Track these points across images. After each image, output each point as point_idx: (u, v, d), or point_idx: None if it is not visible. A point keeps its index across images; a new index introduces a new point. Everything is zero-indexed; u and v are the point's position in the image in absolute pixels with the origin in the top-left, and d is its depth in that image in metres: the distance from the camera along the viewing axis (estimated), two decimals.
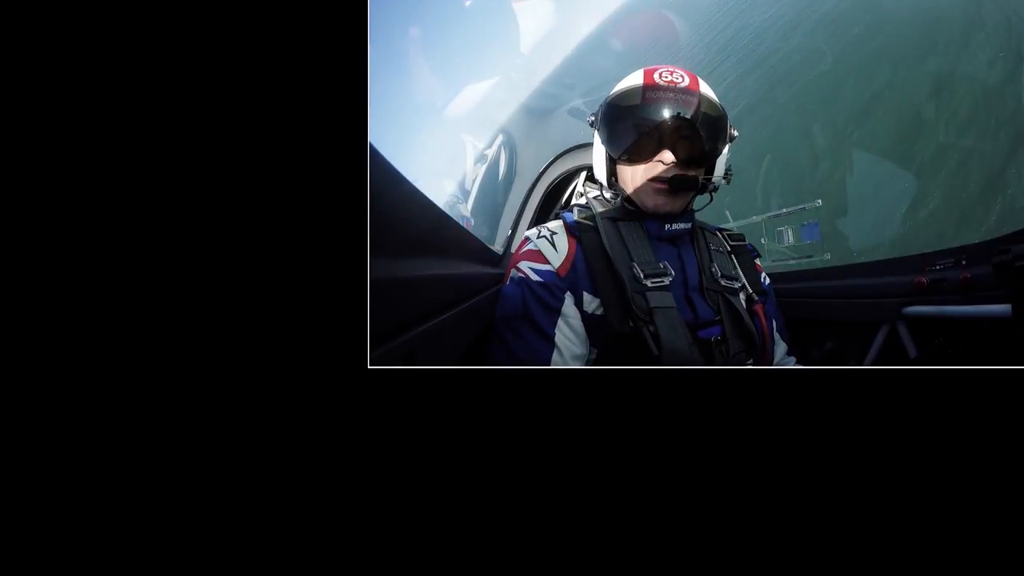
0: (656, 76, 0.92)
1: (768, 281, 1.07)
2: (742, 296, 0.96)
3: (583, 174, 1.75)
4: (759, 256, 1.10)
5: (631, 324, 0.84)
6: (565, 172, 1.73)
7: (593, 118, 1.00)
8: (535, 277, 0.89)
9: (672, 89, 0.90)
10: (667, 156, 0.87)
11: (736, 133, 0.96)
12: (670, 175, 0.88)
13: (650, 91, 0.90)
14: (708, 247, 0.98)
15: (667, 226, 0.94)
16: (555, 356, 0.85)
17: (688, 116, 0.88)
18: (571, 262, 0.90)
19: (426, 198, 0.57)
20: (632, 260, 0.89)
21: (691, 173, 0.90)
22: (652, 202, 0.91)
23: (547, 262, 0.90)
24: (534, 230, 0.98)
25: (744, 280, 0.98)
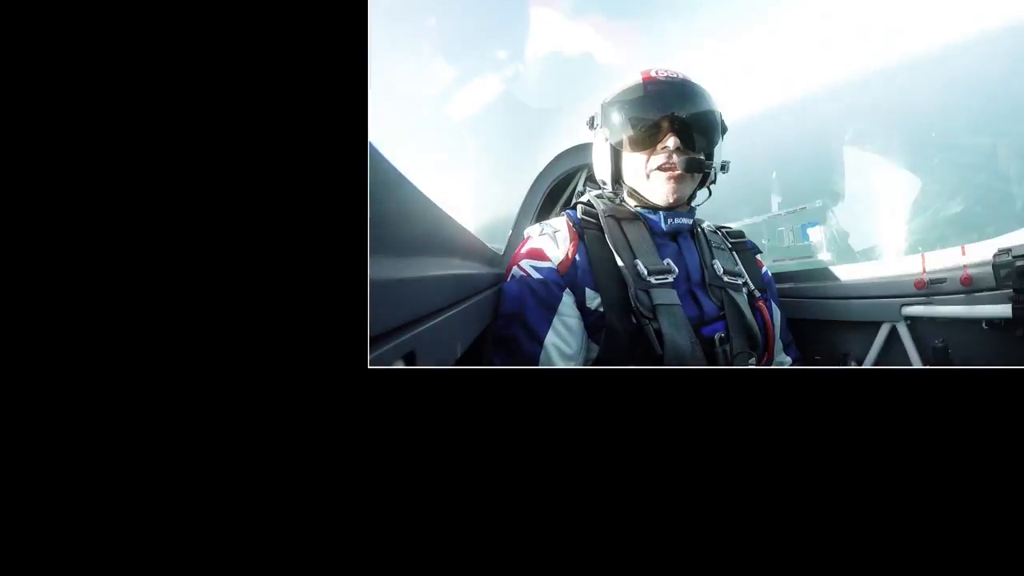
0: (653, 73, 0.96)
1: (770, 276, 1.09)
2: (745, 292, 0.97)
3: (583, 174, 1.75)
4: (760, 253, 1.12)
5: (634, 321, 0.85)
6: (565, 172, 1.74)
7: (591, 119, 1.01)
8: (535, 275, 0.90)
9: (669, 81, 0.94)
10: (672, 141, 0.90)
11: (727, 125, 0.99)
12: (677, 159, 0.90)
13: (650, 84, 0.94)
14: (709, 243, 1.00)
15: (670, 220, 0.95)
16: (542, 356, 0.85)
17: (687, 104, 0.92)
18: (572, 259, 0.91)
19: (426, 198, 0.57)
20: (636, 258, 0.90)
21: (696, 156, 0.92)
22: (663, 190, 0.93)
23: (547, 259, 0.91)
24: (536, 226, 0.99)
25: (747, 276, 1.00)
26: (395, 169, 0.48)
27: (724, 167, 1.00)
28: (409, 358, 0.46)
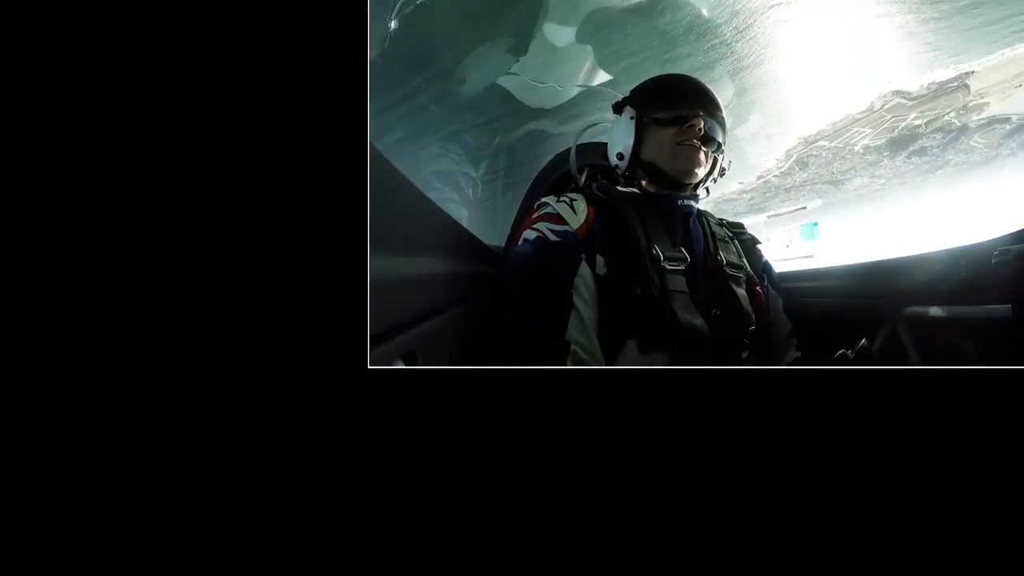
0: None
1: (771, 265, 1.12)
2: (744, 282, 1.00)
3: (583, 174, 1.75)
4: (760, 243, 1.15)
5: (638, 292, 0.87)
6: (565, 171, 1.73)
7: (617, 104, 1.09)
8: (553, 237, 0.91)
9: (706, 87, 1.06)
10: (700, 122, 0.99)
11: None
12: (701, 134, 0.99)
13: (686, 77, 1.07)
14: (714, 235, 1.03)
15: (679, 202, 0.99)
16: (573, 316, 0.86)
17: (715, 106, 1.03)
18: (589, 225, 0.94)
19: (426, 197, 0.57)
20: (651, 240, 0.93)
21: (716, 138, 1.02)
22: (682, 158, 0.99)
23: (565, 223, 0.93)
24: (551, 196, 1.02)
25: (747, 267, 1.03)
26: (395, 169, 0.48)
27: (723, 171, 1.05)
28: (409, 358, 0.46)
